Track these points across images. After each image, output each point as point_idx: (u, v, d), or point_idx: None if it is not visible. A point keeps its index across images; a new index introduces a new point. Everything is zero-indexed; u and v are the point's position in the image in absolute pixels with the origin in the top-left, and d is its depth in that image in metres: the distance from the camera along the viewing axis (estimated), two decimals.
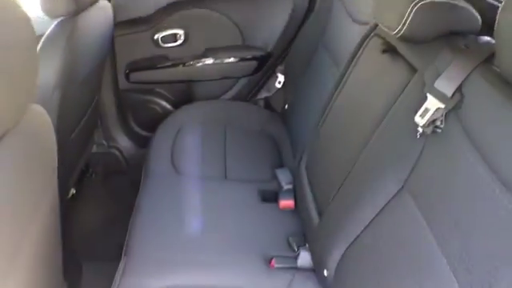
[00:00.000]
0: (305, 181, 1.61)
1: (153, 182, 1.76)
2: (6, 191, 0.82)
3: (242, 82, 2.46)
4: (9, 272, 0.85)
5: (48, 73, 1.41)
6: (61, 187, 1.15)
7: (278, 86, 2.44)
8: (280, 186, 1.75)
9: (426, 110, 1.01)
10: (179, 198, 1.65)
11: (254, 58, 2.39)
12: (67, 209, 1.87)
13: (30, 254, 0.95)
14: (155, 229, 1.52)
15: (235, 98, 2.47)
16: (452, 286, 0.84)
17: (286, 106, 2.20)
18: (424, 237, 0.94)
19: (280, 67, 2.45)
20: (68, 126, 1.63)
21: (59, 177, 1.11)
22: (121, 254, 1.46)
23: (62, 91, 1.45)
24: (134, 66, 2.34)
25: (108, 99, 2.30)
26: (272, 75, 2.49)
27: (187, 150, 1.93)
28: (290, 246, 1.49)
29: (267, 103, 2.54)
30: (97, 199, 2.32)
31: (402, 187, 1.06)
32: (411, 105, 1.09)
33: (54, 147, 1.05)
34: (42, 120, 0.99)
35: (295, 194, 1.68)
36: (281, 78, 2.42)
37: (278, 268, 1.41)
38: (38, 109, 0.98)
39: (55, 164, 1.05)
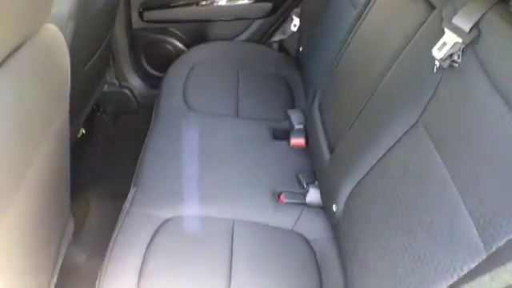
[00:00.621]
0: (317, 118, 1.61)
1: (164, 117, 1.76)
2: (18, 103, 0.82)
3: (257, 23, 2.41)
4: (13, 194, 0.85)
5: (62, 2, 1.40)
6: (71, 123, 1.16)
7: (294, 29, 2.41)
8: (292, 126, 1.75)
9: (444, 44, 1.01)
10: (190, 133, 1.66)
11: (269, 0, 2.34)
12: (76, 148, 1.89)
13: (37, 177, 0.95)
14: (165, 161, 1.54)
15: (249, 40, 2.43)
16: (465, 219, 0.84)
17: (301, 49, 2.17)
18: (437, 170, 0.94)
19: (296, 10, 2.40)
20: (80, 59, 1.62)
21: (69, 112, 1.11)
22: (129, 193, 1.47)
23: (75, 22, 1.44)
24: (148, 5, 2.31)
25: (121, 38, 2.28)
26: (287, 18, 2.44)
27: (199, 88, 1.92)
28: (299, 182, 1.51)
29: (281, 46, 2.50)
30: (107, 139, 2.34)
31: (417, 121, 1.06)
32: (429, 40, 1.08)
33: (68, 67, 1.05)
34: (56, 39, 0.99)
35: (306, 133, 1.69)
36: (296, 21, 2.39)
37: (287, 203, 1.43)
38: (53, 28, 0.98)
39: (68, 86, 1.06)
